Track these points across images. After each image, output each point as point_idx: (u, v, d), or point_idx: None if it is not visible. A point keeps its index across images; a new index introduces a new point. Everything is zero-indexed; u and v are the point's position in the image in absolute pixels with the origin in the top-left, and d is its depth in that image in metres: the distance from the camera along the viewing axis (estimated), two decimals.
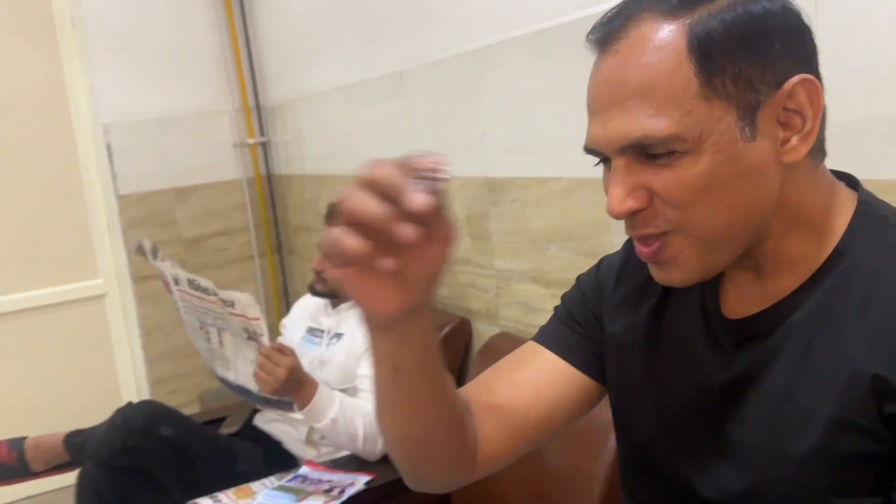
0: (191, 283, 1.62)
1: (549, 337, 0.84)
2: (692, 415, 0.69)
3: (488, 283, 1.77)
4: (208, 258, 3.12)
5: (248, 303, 1.50)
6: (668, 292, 0.75)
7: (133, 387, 3.08)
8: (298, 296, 3.24)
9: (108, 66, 2.86)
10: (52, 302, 2.91)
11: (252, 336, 1.55)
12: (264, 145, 3.20)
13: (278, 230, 3.29)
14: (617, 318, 0.79)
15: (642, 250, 0.64)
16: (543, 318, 1.57)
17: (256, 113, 3.17)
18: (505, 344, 1.60)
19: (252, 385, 1.62)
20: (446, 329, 1.84)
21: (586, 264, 1.40)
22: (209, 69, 3.06)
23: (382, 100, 2.14)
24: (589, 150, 0.66)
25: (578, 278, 0.88)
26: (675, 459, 0.70)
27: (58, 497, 2.83)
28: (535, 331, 1.59)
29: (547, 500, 1.31)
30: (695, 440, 0.69)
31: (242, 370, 1.64)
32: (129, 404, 1.78)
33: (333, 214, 1.90)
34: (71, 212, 2.94)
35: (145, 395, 3.05)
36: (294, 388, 1.54)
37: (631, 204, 0.61)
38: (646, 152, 0.59)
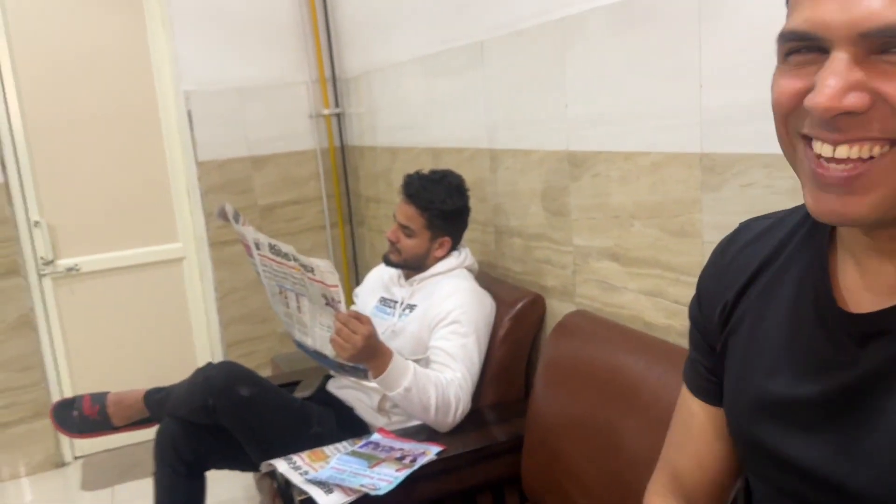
0: (272, 247, 1.64)
1: (693, 383, 0.81)
2: (810, 411, 0.64)
3: (565, 260, 1.73)
4: (282, 226, 3.18)
5: (326, 269, 1.51)
6: (768, 288, 0.70)
7: (207, 348, 3.19)
8: (367, 266, 3.28)
9: (191, 34, 2.92)
10: (135, 263, 3.02)
11: (330, 302, 1.56)
12: (338, 116, 3.22)
13: (350, 201, 3.32)
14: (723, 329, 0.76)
15: (832, 172, 0.54)
16: (622, 296, 1.54)
17: (332, 84, 3.19)
18: (582, 322, 1.57)
19: (328, 350, 1.64)
20: (519, 305, 1.81)
21: (672, 243, 1.37)
22: (288, 40, 3.09)
23: (460, 71, 2.11)
24: (799, 34, 0.54)
25: (699, 281, 0.82)
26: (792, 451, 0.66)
27: (136, 451, 2.97)
28: (613, 310, 1.57)
29: (622, 480, 1.28)
30: (812, 438, 0.64)
31: (319, 335, 1.66)
32: (210, 364, 1.83)
33: (402, 189, 1.89)
34: (153, 177, 3.04)
35: (219, 357, 3.15)
36: (370, 355, 1.55)
37: (852, 101, 0.51)
38: (884, 47, 0.51)
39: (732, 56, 1.18)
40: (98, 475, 2.84)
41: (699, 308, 0.79)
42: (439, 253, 1.88)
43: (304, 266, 1.56)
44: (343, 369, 1.73)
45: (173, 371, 2.99)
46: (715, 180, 1.24)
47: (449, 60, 2.17)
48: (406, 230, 1.86)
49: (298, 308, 1.69)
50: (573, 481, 1.43)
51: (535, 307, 1.82)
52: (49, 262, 2.86)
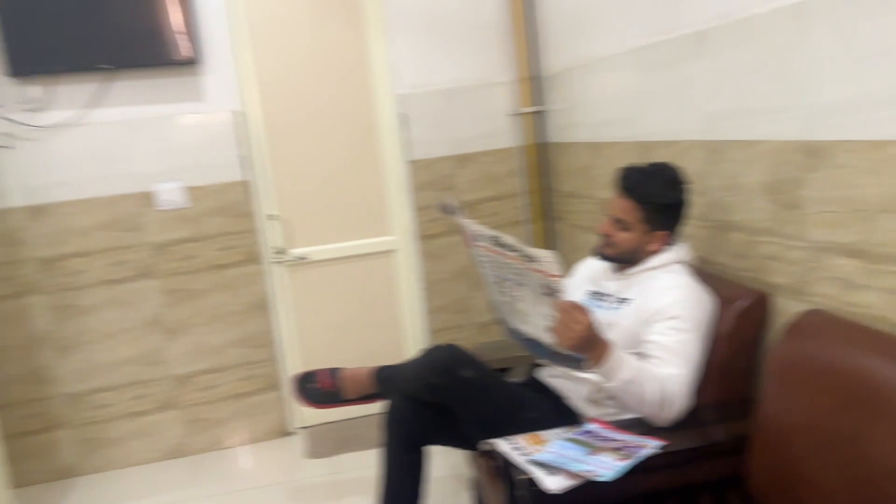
0: (493, 239, 1.73)
1: None
2: None
3: (796, 256, 1.65)
4: (483, 221, 3.23)
5: (548, 260, 1.56)
6: None
7: (415, 333, 3.39)
8: (566, 261, 3.31)
9: (405, 41, 3.12)
10: (353, 254, 3.30)
11: (550, 292, 1.61)
12: (538, 114, 3.28)
13: (548, 196, 3.37)
14: None
15: None
16: (866, 296, 1.44)
17: (533, 82, 3.25)
18: (820, 322, 1.49)
19: (545, 338, 1.69)
20: (742, 302, 1.75)
21: (784, 215, 1.25)
22: (494, 42, 3.20)
23: (676, 62, 2.07)
24: None
25: None
26: None
27: (353, 425, 3.24)
28: (855, 310, 1.48)
29: (872, 490, 1.21)
30: None
31: (537, 324, 1.72)
32: (435, 346, 1.96)
33: (617, 182, 1.89)
34: (370, 176, 3.29)
35: (424, 343, 3.34)
36: (589, 345, 1.59)
37: None
38: None
39: None
40: (319, 445, 3.14)
41: None
42: (654, 247, 1.87)
43: (526, 256, 1.63)
44: (558, 358, 1.77)
45: (385, 352, 3.24)
46: None
47: (664, 52, 2.14)
48: (621, 224, 1.87)
49: (517, 297, 1.76)
50: (809, 487, 1.37)
51: (760, 305, 1.75)
52: (281, 252, 3.20)
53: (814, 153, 1.54)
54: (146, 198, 2.98)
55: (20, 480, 2.87)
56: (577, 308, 1.59)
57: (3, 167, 2.87)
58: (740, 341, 1.75)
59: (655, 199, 1.81)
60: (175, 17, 2.85)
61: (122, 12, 2.82)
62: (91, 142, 2.92)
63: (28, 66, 2.80)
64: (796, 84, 1.56)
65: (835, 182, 1.49)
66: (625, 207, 1.85)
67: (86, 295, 2.99)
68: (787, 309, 1.69)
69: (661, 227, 1.84)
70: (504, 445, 1.62)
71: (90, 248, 2.96)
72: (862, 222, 1.43)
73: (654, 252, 1.87)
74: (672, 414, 1.63)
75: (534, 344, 1.80)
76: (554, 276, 1.57)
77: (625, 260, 1.90)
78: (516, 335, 1.87)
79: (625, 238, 1.86)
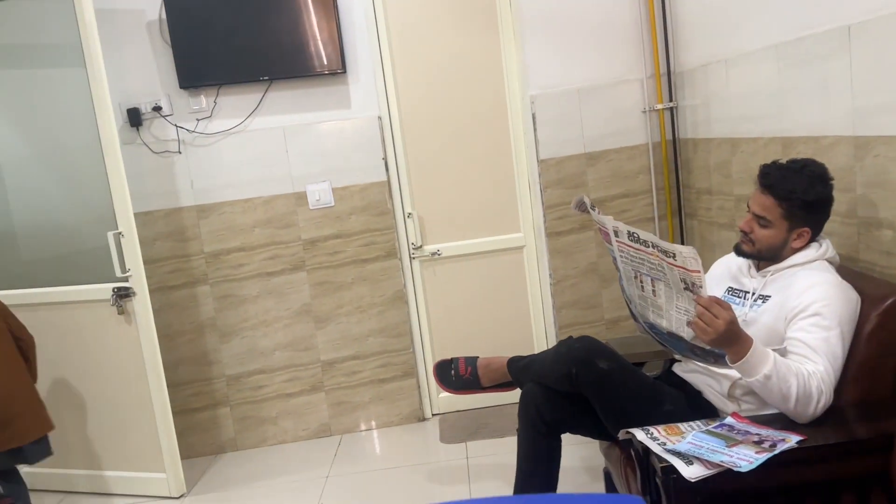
0: (630, 235, 1.79)
1: None
2: None
3: (849, 231, 1.60)
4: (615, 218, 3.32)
5: (689, 255, 1.61)
6: None
7: (542, 328, 3.48)
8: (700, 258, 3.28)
9: (537, 43, 3.21)
10: (484, 250, 3.44)
11: (690, 287, 1.66)
12: (672, 110, 3.27)
13: (680, 193, 3.35)
14: None
15: None
16: None
17: (667, 79, 3.25)
18: None
19: (684, 333, 1.74)
20: (890, 300, 1.71)
21: None
22: (625, 39, 3.22)
23: (822, 57, 2.04)
24: None
25: None
26: None
27: (485, 414, 3.38)
28: None
29: None
30: None
31: (675, 318, 1.77)
32: (571, 338, 2.05)
33: (759, 177, 1.89)
34: (501, 174, 3.41)
35: (552, 338, 3.42)
36: (730, 340, 1.62)
37: None
38: None
39: None
40: (453, 431, 3.30)
41: None
42: (797, 244, 1.86)
43: (664, 252, 1.68)
44: (696, 353, 1.81)
45: (512, 345, 3.35)
46: None
47: (808, 47, 2.10)
48: (761, 220, 1.87)
49: (654, 292, 1.81)
50: None
51: None
52: (418, 248, 3.39)
53: None
54: (299, 198, 3.26)
55: (186, 452, 3.21)
56: (718, 303, 1.62)
57: (175, 171, 3.23)
58: (886, 340, 1.71)
59: (797, 195, 1.80)
60: (323, 31, 3.10)
61: (277, 27, 3.09)
62: (250, 147, 3.23)
63: (195, 78, 3.14)
64: None
65: None
66: (765, 204, 1.85)
67: (246, 286, 3.30)
68: None
69: (802, 224, 1.83)
70: (642, 435, 1.68)
71: (250, 243, 3.28)
72: None
73: (796, 249, 1.86)
74: (814, 410, 1.63)
75: (671, 339, 1.84)
76: (694, 271, 1.62)
77: (765, 257, 1.90)
78: (652, 330, 1.92)
79: (765, 235, 1.86)
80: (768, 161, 1.91)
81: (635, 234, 1.77)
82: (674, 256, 1.65)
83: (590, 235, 3.34)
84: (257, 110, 3.21)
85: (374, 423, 3.45)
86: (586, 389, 1.89)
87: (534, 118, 3.24)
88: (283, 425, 3.41)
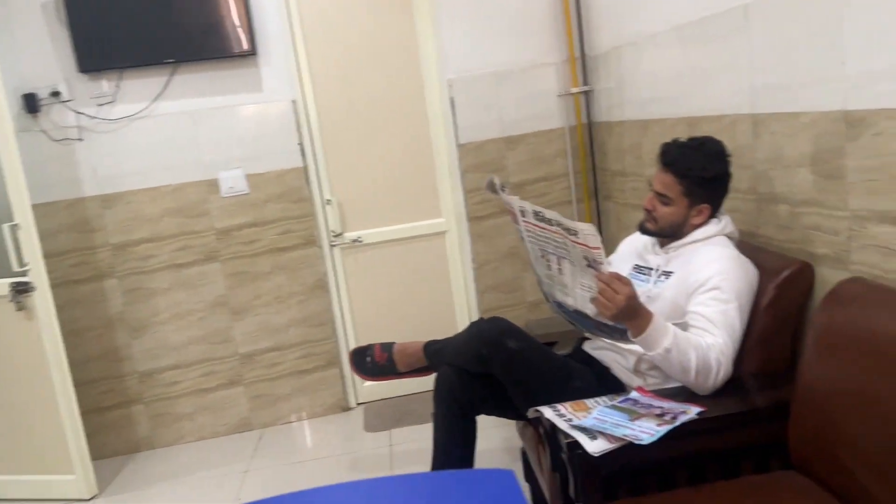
0: (536, 214, 1.79)
1: None
2: None
3: (838, 226, 1.66)
4: (532, 202, 3.32)
5: (589, 232, 1.61)
6: None
7: (465, 313, 3.48)
8: (614, 238, 3.33)
9: (454, 26, 3.18)
10: (406, 236, 3.41)
11: (591, 264, 1.67)
12: (586, 94, 3.30)
13: (596, 176, 3.39)
14: None
15: None
16: (795, 234, 1.44)
17: (581, 63, 3.28)
18: (861, 290, 1.51)
19: (589, 310, 1.75)
20: (785, 272, 1.77)
21: (825, 184, 1.26)
22: (540, 23, 3.23)
23: (722, 37, 2.08)
24: None
25: None
26: None
27: (409, 401, 3.36)
28: None
29: None
30: None
31: (580, 295, 1.78)
32: (482, 318, 2.04)
33: (659, 156, 1.92)
34: (420, 160, 3.38)
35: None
36: (631, 315, 1.64)
37: None
38: None
39: None
40: (377, 420, 3.26)
41: None
42: (697, 220, 1.89)
43: (567, 230, 1.68)
44: (602, 330, 1.82)
45: (436, 330, 3.29)
46: None
47: (709, 27, 2.14)
48: (663, 198, 1.90)
49: (560, 270, 1.82)
50: (849, 450, 1.39)
51: (803, 275, 1.76)
52: (338, 235, 3.33)
53: (855, 122, 1.55)
54: (210, 185, 3.15)
55: (98, 453, 3.08)
56: (618, 279, 1.64)
57: (77, 159, 3.07)
58: (783, 311, 1.77)
59: (696, 172, 1.84)
60: (232, 12, 2.99)
61: (183, 8, 2.97)
62: (157, 133, 3.09)
63: (96, 61, 2.99)
64: (838, 54, 1.57)
65: (876, 150, 1.49)
66: (666, 182, 1.88)
67: (156, 278, 3.18)
68: (829, 278, 1.70)
69: (702, 200, 1.87)
70: (549, 412, 1.69)
71: (159, 233, 3.15)
72: None
73: (696, 226, 1.90)
74: (714, 382, 1.67)
75: (578, 316, 1.86)
76: (594, 248, 1.62)
77: (667, 234, 1.94)
78: (561, 308, 1.93)
79: (667, 212, 1.89)
80: None
81: (540, 213, 1.77)
82: (576, 234, 1.65)
83: (510, 219, 3.35)
84: (163, 94, 3.08)
85: (296, 416, 3.39)
86: (497, 370, 1.89)
87: (452, 102, 3.22)
88: (200, 421, 3.31)
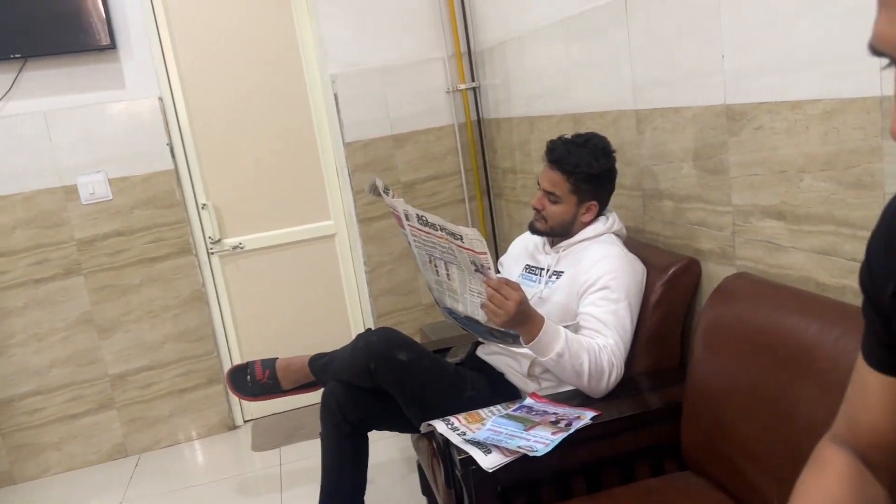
0: (419, 218, 1.68)
1: (868, 353, 0.75)
2: None
3: (723, 221, 1.65)
4: (423, 201, 3.26)
5: (474, 237, 1.53)
6: None
7: (359, 318, 3.34)
8: (507, 237, 3.30)
9: (335, 19, 3.03)
10: (292, 240, 3.22)
11: (479, 269, 1.59)
12: (475, 90, 3.24)
13: (487, 173, 3.34)
14: None
15: None
16: (790, 257, 1.45)
17: (468, 58, 3.21)
18: (745, 285, 1.50)
19: (479, 316, 1.67)
20: (673, 269, 1.75)
21: (849, 195, 1.27)
22: (425, 18, 3.14)
23: (603, 31, 2.05)
24: (876, 50, 0.53)
25: (867, 245, 0.73)
26: None
27: (299, 415, 3.19)
28: (779, 271, 1.49)
29: (797, 448, 1.21)
30: None
31: (470, 302, 1.69)
32: (369, 330, 1.92)
33: (546, 153, 1.88)
34: (305, 159, 3.21)
35: (371, 327, 3.29)
36: (522, 321, 1.57)
37: None
38: None
39: None
40: (266, 437, 3.07)
41: (869, 276, 0.72)
42: (586, 218, 1.86)
43: (451, 235, 1.59)
44: (493, 335, 1.75)
45: (329, 339, 3.17)
46: None
47: (590, 20, 2.11)
48: (551, 196, 1.85)
49: (448, 276, 1.73)
50: (740, 449, 1.38)
51: (690, 271, 1.75)
52: (216, 241, 3.11)
53: (736, 117, 1.54)
54: (68, 192, 2.85)
55: None
56: (507, 284, 1.56)
57: None
58: (671, 309, 1.76)
59: (582, 169, 1.80)
60: (89, 1, 2.71)
61: None
62: (4, 136, 2.77)
63: None
64: (716, 48, 1.56)
65: (756, 144, 1.49)
66: (553, 180, 1.83)
67: (9, 296, 2.85)
68: (716, 274, 1.70)
69: (589, 197, 1.83)
70: (441, 426, 1.59)
71: (11, 247, 2.82)
72: (785, 183, 1.43)
73: (586, 223, 1.86)
74: (607, 384, 1.63)
75: (469, 322, 1.78)
76: (481, 252, 1.54)
77: (557, 233, 1.89)
78: (452, 314, 1.84)
79: (556, 211, 1.85)
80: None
81: (423, 218, 1.67)
82: (461, 239, 1.57)
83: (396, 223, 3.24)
84: (10, 93, 2.76)
85: (177, 438, 3.14)
86: (387, 383, 1.78)
87: (336, 98, 3.07)
88: (68, 450, 3.01)
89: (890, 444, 0.75)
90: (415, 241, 1.77)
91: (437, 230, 1.63)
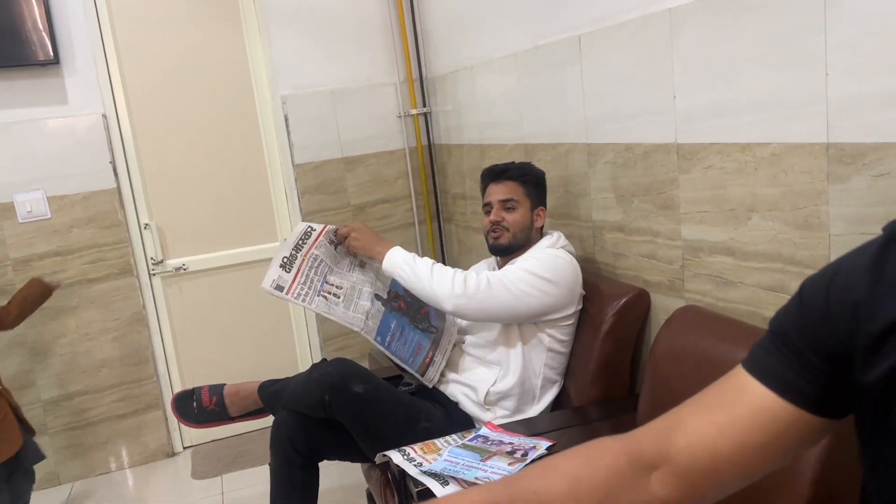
0: (285, 262, 1.82)
1: (763, 367, 0.67)
2: None
3: (672, 255, 1.71)
4: (373, 224, 3.25)
5: (301, 228, 1.84)
6: None
7: (306, 343, 3.29)
8: (455, 261, 3.32)
9: (286, 40, 3.02)
10: (238, 262, 3.16)
11: (337, 249, 1.87)
12: (426, 116, 3.27)
13: (437, 198, 3.36)
14: (877, 361, 0.59)
15: None
16: (738, 291, 1.51)
17: (420, 84, 3.24)
18: (694, 317, 1.55)
19: (381, 289, 1.91)
20: (624, 299, 1.80)
21: (795, 235, 1.34)
22: (377, 42, 3.15)
23: (556, 66, 2.11)
24: None
25: (801, 290, 0.68)
26: None
27: (241, 441, 3.10)
28: (728, 305, 1.55)
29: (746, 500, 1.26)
30: None
31: (366, 290, 1.90)
32: (324, 361, 1.89)
33: (489, 175, 1.99)
34: (254, 180, 3.16)
35: (317, 351, 3.25)
36: (377, 240, 1.86)
37: None
38: None
39: (862, 42, 1.14)
40: (207, 464, 2.98)
41: (826, 308, 0.64)
42: (538, 223, 1.96)
43: (299, 244, 1.83)
44: (415, 326, 1.92)
45: (275, 364, 3.12)
46: (844, 171, 1.21)
47: (544, 56, 2.17)
48: (508, 203, 1.91)
49: (338, 288, 1.86)
50: None
51: (640, 302, 1.80)
52: (159, 263, 3.02)
53: (687, 155, 1.60)
54: (5, 209, 2.73)
55: None
56: (350, 225, 1.89)
57: None
58: (621, 338, 1.80)
59: (528, 172, 1.95)
60: (31, 15, 2.63)
61: None
62: None
63: None
64: (668, 88, 1.62)
65: (707, 183, 1.55)
66: (507, 189, 1.93)
67: None
68: (664, 306, 1.75)
69: (539, 202, 1.96)
70: (397, 457, 1.58)
71: None
72: (733, 221, 1.49)
73: (539, 228, 1.95)
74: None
75: (397, 341, 1.89)
76: (322, 231, 1.84)
77: (520, 242, 1.92)
78: (382, 343, 1.87)
79: (515, 218, 1.92)
80: None
81: (289, 256, 1.83)
82: (309, 236, 1.82)
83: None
84: None
85: (113, 465, 3.02)
86: (341, 415, 1.76)
87: (286, 120, 3.05)
88: None
89: (714, 462, 0.66)
90: (306, 294, 1.85)
91: (296, 256, 1.81)
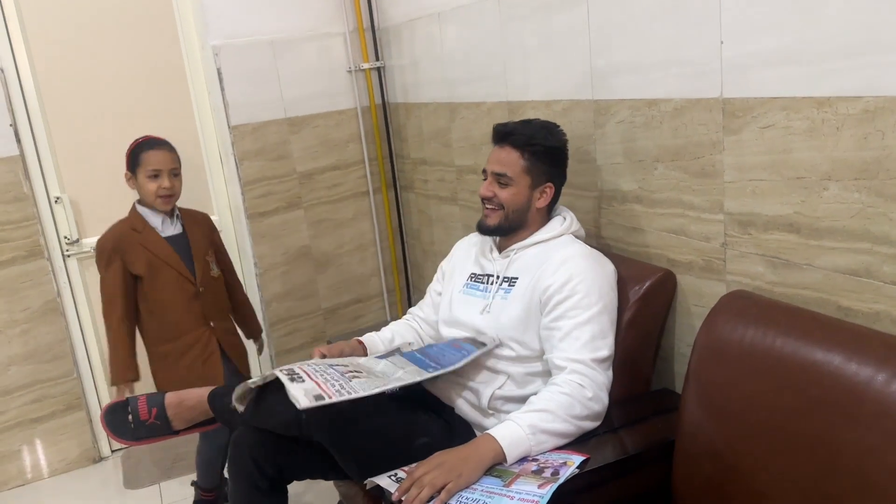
0: (325, 379, 1.41)
1: None
2: None
3: (710, 230, 1.46)
4: (322, 193, 2.91)
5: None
6: None
7: None
8: (415, 234, 3.02)
9: None
10: None
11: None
12: (380, 70, 2.92)
13: (394, 164, 3.03)
14: None
15: None
16: (805, 275, 1.26)
17: (372, 34, 2.87)
18: (750, 306, 1.28)
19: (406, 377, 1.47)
20: (648, 282, 1.54)
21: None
22: None
23: (553, 7, 1.80)
24: None
25: None
26: None
27: (178, 444, 2.74)
28: (788, 291, 1.28)
29: (813, 486, 1.05)
30: None
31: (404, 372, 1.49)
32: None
33: (494, 134, 1.65)
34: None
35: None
36: (465, 458, 1.31)
37: None
38: None
39: None
40: (141, 471, 2.62)
41: None
42: (541, 203, 1.62)
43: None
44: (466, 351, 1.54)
45: None
46: None
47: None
48: (502, 178, 1.60)
49: (362, 369, 1.48)
50: (754, 499, 1.19)
51: (667, 285, 1.56)
52: (74, 242, 2.59)
53: (736, 112, 1.34)
54: None
55: None
56: (412, 473, 1.29)
57: None
58: (645, 327, 1.56)
59: (538, 141, 1.59)
60: None
61: None
62: None
63: None
64: (713, 31, 1.35)
65: (765, 146, 1.30)
66: (503, 160, 1.60)
67: None
68: (696, 289, 1.52)
69: (545, 178, 1.62)
70: (384, 480, 1.30)
71: None
72: (801, 191, 1.25)
73: (540, 209, 1.62)
74: (602, 409, 1.42)
75: (430, 356, 1.53)
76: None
77: (512, 224, 1.63)
78: (431, 370, 1.53)
79: (508, 195, 1.60)
80: None
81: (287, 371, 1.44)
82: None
83: (299, 215, 2.87)
84: None
85: (30, 475, 2.61)
86: (321, 435, 1.44)
87: (219, 74, 2.64)
88: None
89: None
90: (342, 381, 1.43)
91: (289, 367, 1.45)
